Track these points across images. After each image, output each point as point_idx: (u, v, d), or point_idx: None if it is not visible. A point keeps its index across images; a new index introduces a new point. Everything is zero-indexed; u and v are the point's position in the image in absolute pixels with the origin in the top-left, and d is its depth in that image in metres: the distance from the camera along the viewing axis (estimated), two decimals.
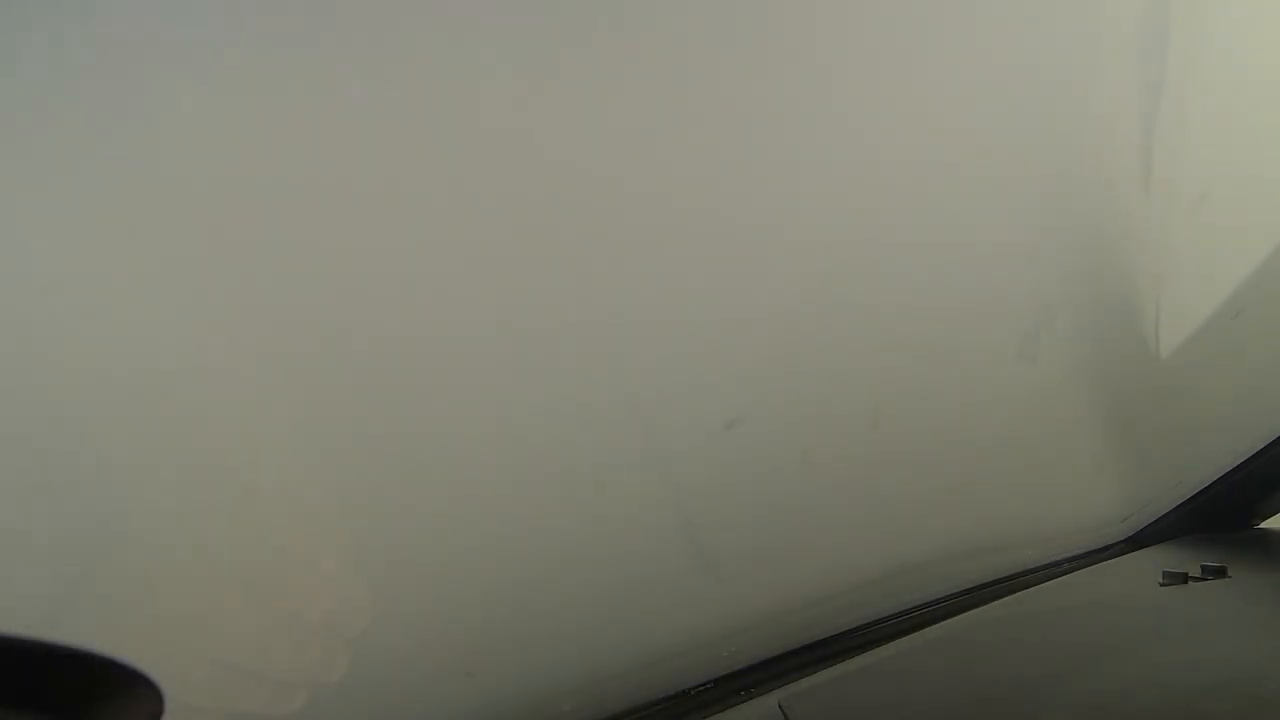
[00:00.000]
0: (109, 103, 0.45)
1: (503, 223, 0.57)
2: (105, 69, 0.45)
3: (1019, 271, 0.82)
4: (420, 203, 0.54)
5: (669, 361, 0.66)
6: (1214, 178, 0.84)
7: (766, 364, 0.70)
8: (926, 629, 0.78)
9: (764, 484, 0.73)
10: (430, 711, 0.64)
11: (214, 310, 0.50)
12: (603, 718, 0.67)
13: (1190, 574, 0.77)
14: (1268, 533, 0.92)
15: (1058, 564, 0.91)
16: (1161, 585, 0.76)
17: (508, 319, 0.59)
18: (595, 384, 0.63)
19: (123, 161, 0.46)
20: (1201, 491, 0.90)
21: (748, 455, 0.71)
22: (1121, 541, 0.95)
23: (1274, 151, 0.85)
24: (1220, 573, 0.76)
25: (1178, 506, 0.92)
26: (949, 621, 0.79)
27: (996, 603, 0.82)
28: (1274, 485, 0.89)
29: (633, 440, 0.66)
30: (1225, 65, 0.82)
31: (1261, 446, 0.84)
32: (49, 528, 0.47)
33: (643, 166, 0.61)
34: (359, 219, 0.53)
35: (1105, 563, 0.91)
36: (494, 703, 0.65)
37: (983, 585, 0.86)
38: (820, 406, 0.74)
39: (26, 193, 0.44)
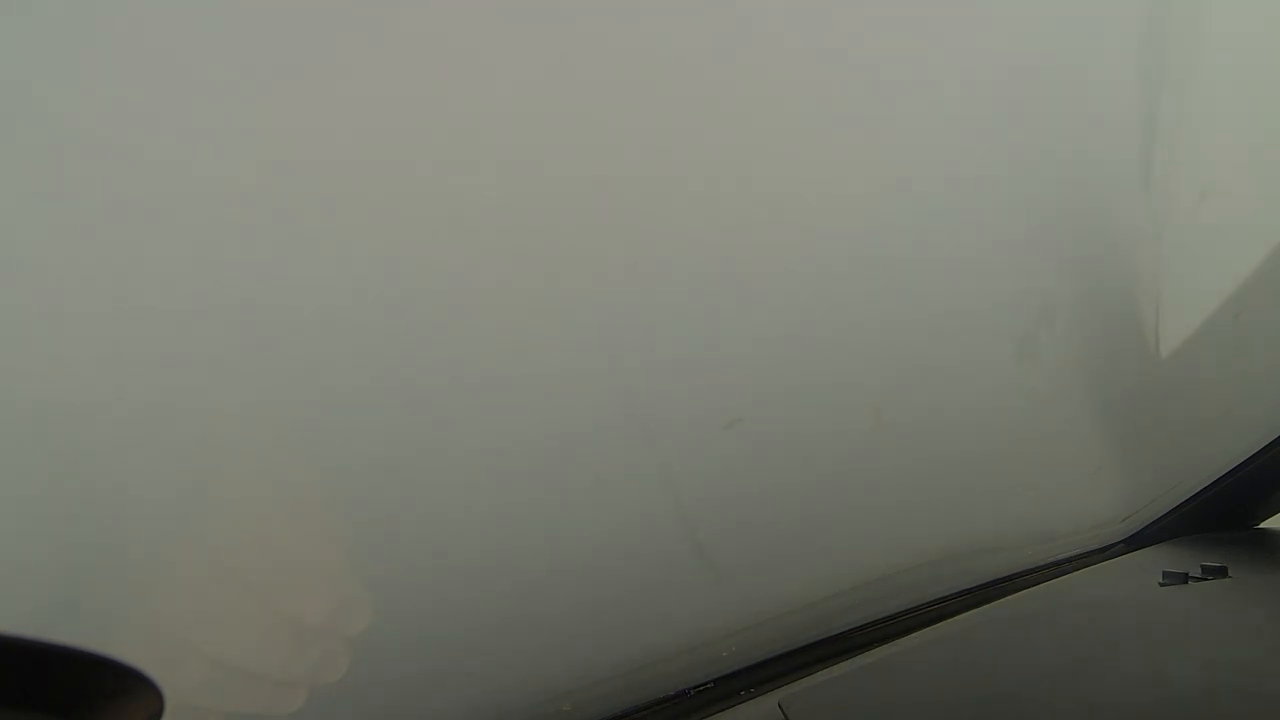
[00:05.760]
0: (106, 99, 0.45)
1: (502, 223, 0.57)
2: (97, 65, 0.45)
3: (1019, 271, 0.82)
4: (418, 202, 0.54)
5: (669, 361, 0.66)
6: (1214, 178, 0.84)
7: (767, 364, 0.70)
8: (926, 629, 0.78)
9: (764, 484, 0.73)
10: (430, 711, 0.64)
11: (215, 309, 0.50)
12: (603, 718, 0.67)
13: (1190, 574, 0.77)
14: (1268, 533, 0.92)
15: (1058, 564, 0.91)
16: (1161, 585, 0.76)
17: (506, 318, 0.59)
18: (595, 384, 0.63)
19: (120, 158, 0.46)
20: (1201, 491, 0.90)
21: (748, 455, 0.71)
22: (1121, 541, 0.95)
23: (1274, 151, 0.85)
24: (1220, 573, 0.76)
25: (1178, 506, 0.92)
26: (949, 621, 0.79)
27: (996, 603, 0.82)
28: (1274, 485, 0.89)
29: (633, 440, 0.66)
30: (1225, 65, 0.82)
31: (1261, 446, 0.84)
32: (48, 527, 0.47)
33: (642, 167, 0.61)
34: (358, 219, 0.53)
35: (1105, 563, 0.91)
36: (494, 703, 0.65)
37: (983, 585, 0.86)
38: (821, 407, 0.74)
39: (23, 189, 0.44)
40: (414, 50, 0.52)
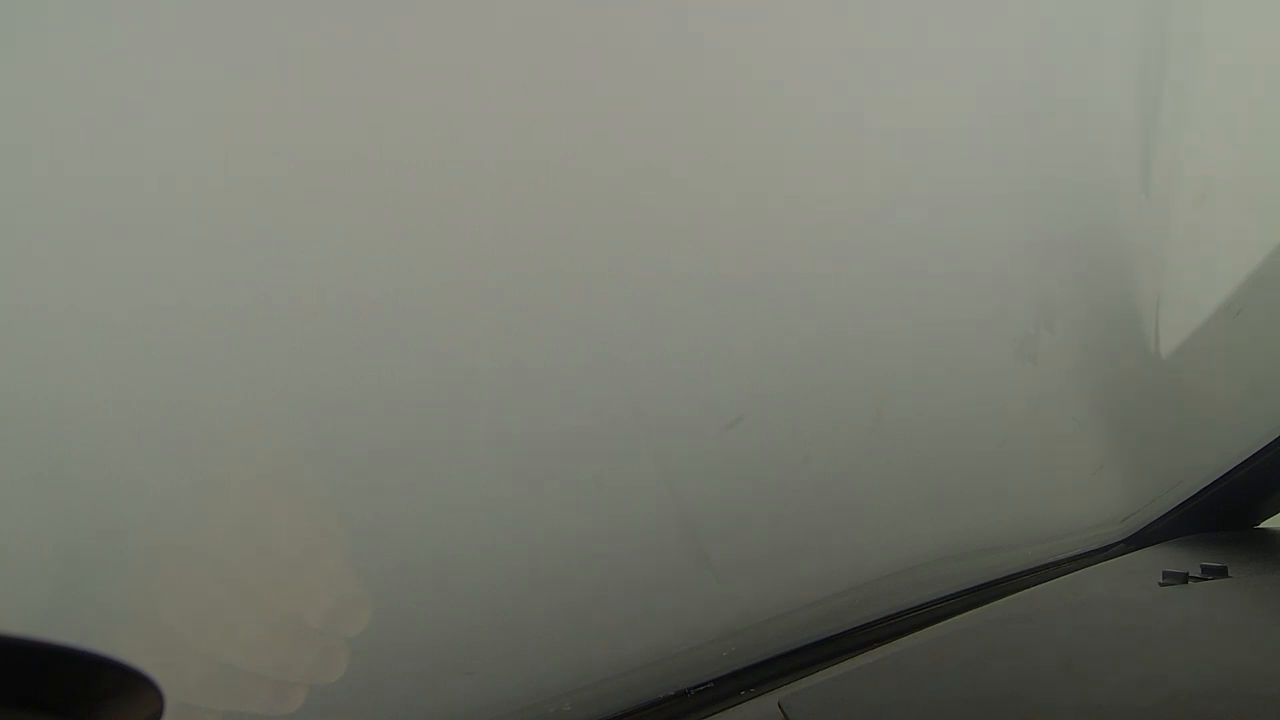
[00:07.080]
0: (105, 97, 0.45)
1: (501, 223, 0.57)
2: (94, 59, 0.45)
3: (1019, 272, 0.82)
4: (417, 202, 0.54)
5: (670, 361, 0.66)
6: (1214, 178, 0.84)
7: (767, 364, 0.70)
8: (926, 629, 0.78)
9: (764, 484, 0.73)
10: (430, 711, 0.64)
11: (215, 308, 0.50)
12: (603, 718, 0.67)
13: (1190, 574, 0.77)
14: (1268, 533, 0.92)
15: (1058, 564, 0.91)
16: (1161, 585, 0.76)
17: (507, 318, 0.59)
18: (596, 384, 0.63)
19: (119, 157, 0.46)
20: (1201, 491, 0.90)
21: (748, 455, 0.71)
22: (1121, 541, 0.95)
23: (1274, 151, 0.85)
24: (1220, 573, 0.76)
25: (1178, 506, 0.92)
26: (949, 621, 0.79)
27: (996, 603, 0.82)
28: (1274, 485, 0.89)
29: (634, 440, 0.66)
30: (1225, 65, 0.82)
31: (1261, 446, 0.84)
32: (48, 527, 0.47)
33: (643, 167, 0.61)
34: (361, 218, 0.53)
35: (1105, 563, 0.91)
36: (493, 702, 0.65)
37: (983, 585, 0.86)
38: (821, 407, 0.74)
39: (22, 188, 0.44)
40: (412, 49, 0.52)
